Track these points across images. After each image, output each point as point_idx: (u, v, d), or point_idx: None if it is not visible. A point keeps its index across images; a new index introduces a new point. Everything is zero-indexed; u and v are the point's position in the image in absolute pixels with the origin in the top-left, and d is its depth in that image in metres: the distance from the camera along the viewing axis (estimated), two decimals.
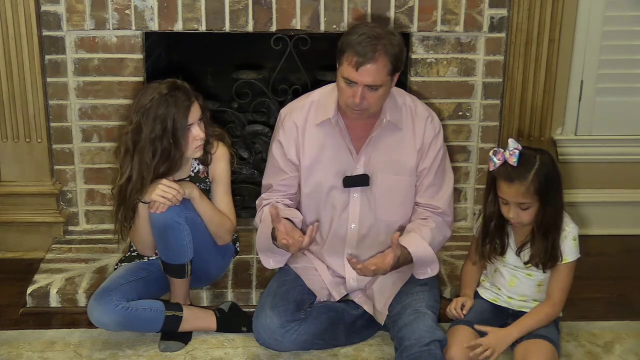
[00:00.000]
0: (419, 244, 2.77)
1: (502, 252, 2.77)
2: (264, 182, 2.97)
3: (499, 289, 2.83)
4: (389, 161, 2.84)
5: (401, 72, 2.72)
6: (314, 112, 2.85)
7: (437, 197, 2.87)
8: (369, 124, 2.81)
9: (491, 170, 2.66)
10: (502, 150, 2.63)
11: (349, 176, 2.83)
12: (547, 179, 2.61)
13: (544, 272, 2.73)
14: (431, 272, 2.83)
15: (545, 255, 2.68)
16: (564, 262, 2.70)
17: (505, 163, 2.62)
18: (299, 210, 2.90)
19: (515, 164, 2.60)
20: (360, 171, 2.84)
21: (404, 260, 2.74)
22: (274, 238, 2.74)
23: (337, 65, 2.68)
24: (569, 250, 2.71)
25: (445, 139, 2.96)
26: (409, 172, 2.85)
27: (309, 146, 2.84)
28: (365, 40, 2.59)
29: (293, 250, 2.69)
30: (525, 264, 2.73)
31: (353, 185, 2.84)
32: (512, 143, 2.62)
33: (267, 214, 2.81)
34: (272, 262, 2.90)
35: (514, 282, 2.79)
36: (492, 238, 2.77)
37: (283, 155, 2.88)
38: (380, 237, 2.88)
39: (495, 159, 2.63)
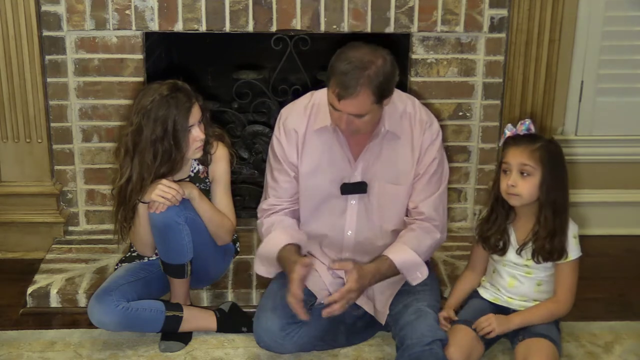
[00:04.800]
0: (400, 249, 2.78)
1: (504, 251, 2.77)
2: (269, 179, 2.92)
3: (499, 289, 2.84)
4: (386, 169, 2.82)
5: (391, 95, 2.68)
6: (313, 116, 2.83)
7: (424, 203, 2.84)
8: (367, 134, 2.80)
9: (502, 143, 2.74)
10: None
11: (346, 183, 2.83)
12: (552, 155, 2.67)
13: (550, 262, 2.72)
14: (421, 275, 2.82)
15: (551, 243, 2.67)
16: (566, 260, 2.71)
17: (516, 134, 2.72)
18: (298, 215, 2.90)
19: (522, 132, 2.70)
20: (357, 178, 2.82)
21: (389, 270, 2.76)
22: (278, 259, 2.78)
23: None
24: (570, 247, 2.71)
25: (445, 139, 2.95)
26: (406, 180, 2.84)
27: (308, 152, 2.83)
28: (351, 70, 2.54)
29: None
30: (533, 256, 2.71)
31: (350, 192, 2.83)
32: (525, 120, 2.74)
33: (275, 236, 2.81)
34: (263, 270, 2.90)
35: (513, 283, 2.79)
36: (496, 229, 2.76)
37: (285, 157, 2.85)
38: (377, 242, 2.87)
39: (506, 132, 2.73)
